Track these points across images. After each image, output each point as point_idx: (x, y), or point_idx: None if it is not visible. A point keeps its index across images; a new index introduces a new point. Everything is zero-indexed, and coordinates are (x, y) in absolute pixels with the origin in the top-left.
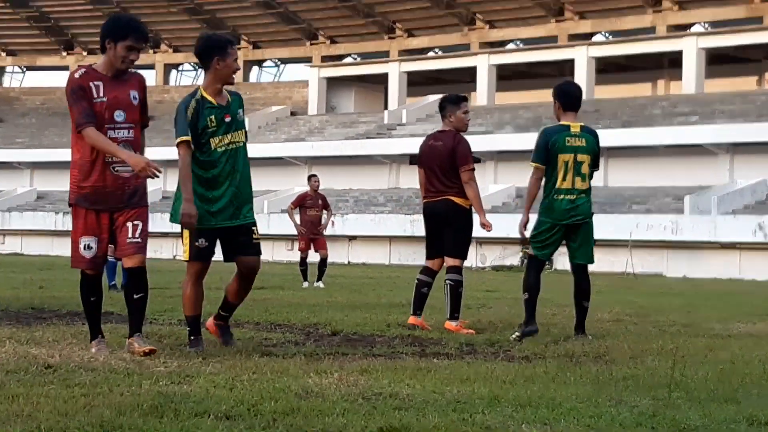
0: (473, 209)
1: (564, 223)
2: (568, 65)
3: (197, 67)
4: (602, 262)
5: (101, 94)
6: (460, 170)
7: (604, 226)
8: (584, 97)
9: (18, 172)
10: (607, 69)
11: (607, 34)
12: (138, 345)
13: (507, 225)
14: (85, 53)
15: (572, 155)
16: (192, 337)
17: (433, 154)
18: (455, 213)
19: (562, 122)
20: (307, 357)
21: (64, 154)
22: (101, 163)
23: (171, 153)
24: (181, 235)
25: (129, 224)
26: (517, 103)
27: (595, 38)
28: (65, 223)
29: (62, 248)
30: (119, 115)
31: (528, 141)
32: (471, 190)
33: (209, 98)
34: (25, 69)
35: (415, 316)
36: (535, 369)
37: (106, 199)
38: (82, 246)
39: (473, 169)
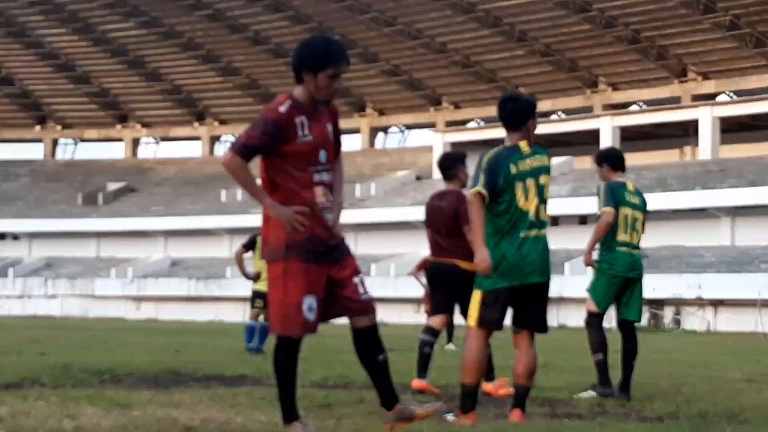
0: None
1: (624, 276)
2: (692, 125)
3: (402, 130)
4: (731, 322)
5: (306, 132)
6: (465, 229)
7: (732, 285)
8: (709, 156)
9: (152, 240)
10: (732, 128)
11: (731, 94)
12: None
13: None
14: (216, 123)
15: (630, 210)
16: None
17: (438, 215)
18: (461, 277)
19: (618, 180)
20: (437, 418)
21: (198, 222)
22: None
23: (359, 216)
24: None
25: (356, 279)
26: (641, 164)
27: (719, 98)
28: (198, 288)
29: (196, 313)
30: (324, 155)
31: (653, 202)
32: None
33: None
34: (159, 140)
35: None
36: (668, 429)
37: (322, 250)
38: (306, 307)
39: None
